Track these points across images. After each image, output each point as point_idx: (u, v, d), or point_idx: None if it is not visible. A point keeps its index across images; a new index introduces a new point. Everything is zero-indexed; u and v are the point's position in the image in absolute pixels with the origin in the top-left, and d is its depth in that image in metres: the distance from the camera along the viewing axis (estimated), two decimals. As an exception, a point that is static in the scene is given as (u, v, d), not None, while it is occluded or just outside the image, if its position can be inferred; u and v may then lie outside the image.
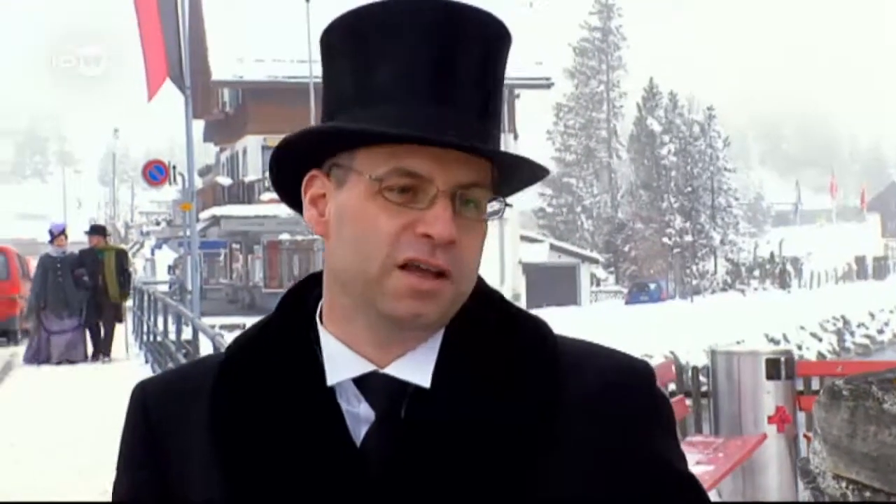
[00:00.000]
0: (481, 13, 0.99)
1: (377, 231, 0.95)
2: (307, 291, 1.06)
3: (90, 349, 14.60)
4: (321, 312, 1.03)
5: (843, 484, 2.35)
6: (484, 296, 1.04)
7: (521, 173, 1.03)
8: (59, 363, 14.03)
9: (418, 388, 0.98)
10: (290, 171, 1.04)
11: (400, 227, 0.95)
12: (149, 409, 1.06)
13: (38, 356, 14.26)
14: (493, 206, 1.01)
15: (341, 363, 0.99)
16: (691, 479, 1.03)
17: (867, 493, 2.27)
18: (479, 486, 0.96)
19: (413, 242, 0.95)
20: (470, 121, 0.97)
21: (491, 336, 1.01)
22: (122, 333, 15.73)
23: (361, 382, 0.99)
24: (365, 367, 0.99)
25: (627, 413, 1.00)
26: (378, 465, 0.96)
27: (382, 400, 0.98)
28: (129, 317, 16.44)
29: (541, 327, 1.04)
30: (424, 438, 0.97)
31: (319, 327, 1.02)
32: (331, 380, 0.99)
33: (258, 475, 0.98)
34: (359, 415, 0.98)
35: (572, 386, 1.00)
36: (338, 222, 0.99)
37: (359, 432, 0.98)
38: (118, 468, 1.08)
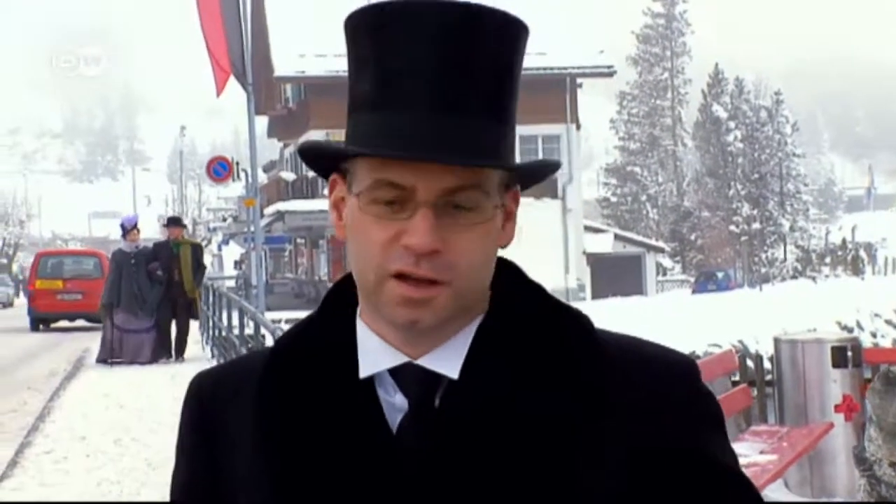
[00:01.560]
0: (491, 10, 0.98)
1: (369, 242, 0.98)
2: (349, 286, 1.08)
3: (163, 348, 14.00)
4: (360, 308, 1.06)
5: (901, 472, 2.28)
6: (522, 288, 1.05)
7: (528, 167, 1.03)
8: (132, 363, 13.57)
9: (451, 379, 1.00)
10: (323, 171, 1.07)
11: (387, 238, 0.97)
12: (203, 400, 1.11)
13: (110, 355, 13.69)
14: (507, 197, 1.02)
15: (376, 355, 1.02)
16: (739, 475, 1.02)
17: (926, 482, 2.19)
18: (509, 475, 0.96)
19: (400, 254, 0.97)
20: (469, 125, 0.97)
21: (526, 328, 1.02)
22: (195, 332, 15.31)
23: (397, 373, 1.02)
24: (398, 358, 1.01)
25: (670, 408, 1.00)
26: (411, 453, 0.99)
27: (416, 390, 1.01)
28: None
29: (580, 320, 1.04)
30: (454, 428, 0.99)
31: (358, 320, 1.05)
32: (364, 371, 1.02)
33: (299, 460, 1.01)
34: (394, 404, 1.01)
35: (612, 379, 1.00)
36: (347, 230, 1.03)
37: (395, 420, 1.01)
38: (177, 455, 1.13)
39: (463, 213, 0.98)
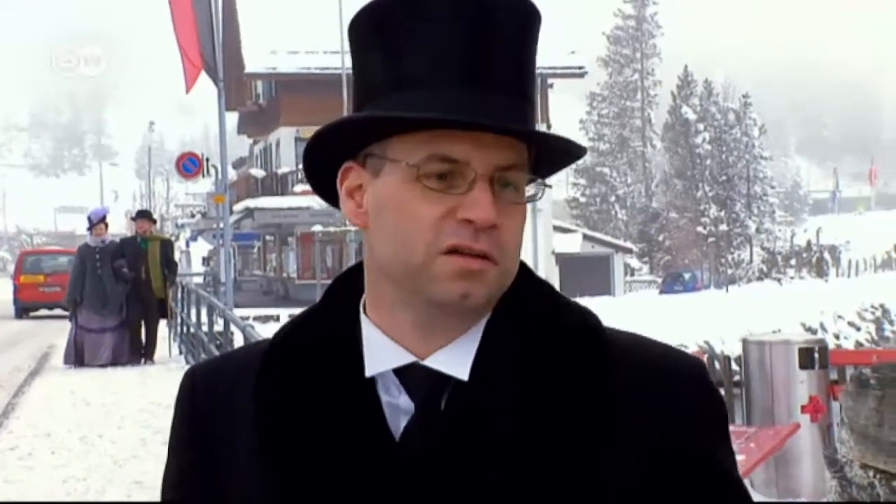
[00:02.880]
0: None
1: (418, 219, 0.95)
2: (352, 282, 1.05)
3: (134, 351, 13.20)
4: (364, 303, 1.03)
5: (871, 473, 2.31)
6: (529, 285, 1.03)
7: (558, 153, 1.01)
8: (102, 365, 12.71)
9: (458, 381, 0.97)
10: (323, 163, 1.03)
11: (440, 214, 0.94)
12: (197, 394, 1.07)
13: (74, 358, 12.97)
14: (530, 188, 1.00)
15: (381, 354, 0.99)
16: (739, 483, 1.01)
17: (895, 483, 2.23)
18: (519, 480, 0.94)
19: (455, 229, 0.94)
20: (504, 102, 0.96)
21: (534, 327, 1.00)
22: (166, 333, 14.37)
23: (402, 373, 0.99)
24: (405, 358, 0.98)
25: (680, 409, 0.98)
26: (417, 457, 0.96)
27: (422, 392, 0.98)
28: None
29: (588, 318, 1.02)
30: (463, 431, 0.96)
31: (362, 318, 1.02)
32: (369, 370, 0.99)
33: (298, 464, 0.98)
34: (398, 406, 0.98)
35: (622, 380, 0.98)
36: (377, 212, 0.98)
37: (398, 424, 0.97)
38: (169, 452, 1.09)
39: (509, 191, 0.96)
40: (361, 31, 1.00)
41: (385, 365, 0.98)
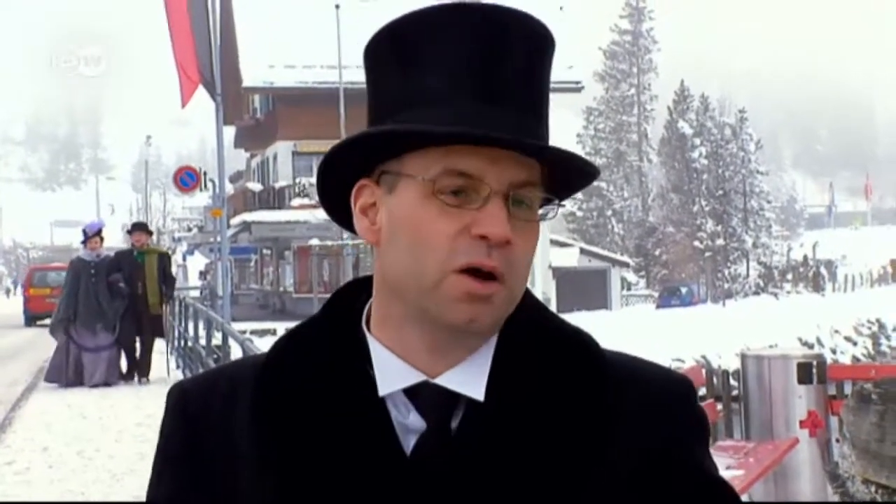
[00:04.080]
0: (526, 15, 0.98)
1: (433, 235, 0.94)
2: (353, 296, 1.04)
3: (129, 370, 12.66)
4: (367, 319, 1.02)
5: (872, 488, 2.32)
6: (532, 306, 1.03)
7: (573, 173, 1.01)
8: (93, 386, 12.11)
9: (470, 400, 0.96)
10: (336, 182, 1.02)
11: (456, 230, 0.93)
12: (188, 409, 1.05)
13: (65, 376, 12.29)
14: (545, 207, 1.00)
15: (392, 373, 0.98)
16: (729, 487, 1.03)
17: (896, 498, 2.24)
18: (530, 501, 0.95)
19: (469, 246, 0.93)
20: (519, 119, 0.96)
21: (541, 348, 1.00)
22: (162, 350, 13.69)
23: (411, 392, 0.98)
24: (416, 377, 0.97)
25: (671, 427, 1.00)
26: (429, 477, 0.94)
27: (433, 411, 0.97)
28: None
29: (587, 340, 1.03)
30: (476, 452, 0.95)
31: (367, 334, 1.01)
32: (382, 390, 0.97)
33: (306, 483, 0.97)
34: (408, 425, 0.97)
35: (619, 402, 0.99)
36: (390, 229, 0.97)
37: (408, 443, 0.96)
38: (155, 467, 1.06)
39: (522, 209, 0.95)
40: (378, 51, 1.00)
41: (397, 384, 0.97)
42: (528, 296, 1.03)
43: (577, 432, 0.97)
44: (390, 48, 0.99)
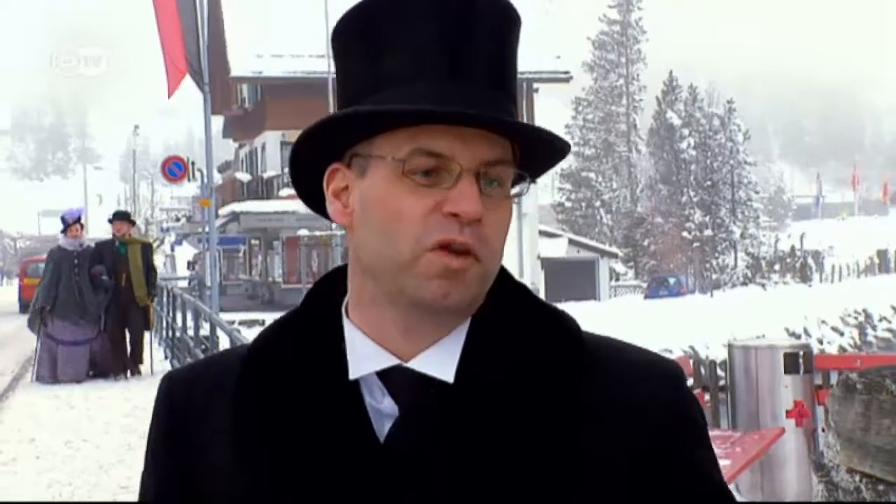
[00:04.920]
0: None
1: (404, 214, 0.94)
2: (333, 285, 1.05)
3: (119, 365, 11.98)
4: (346, 306, 1.02)
5: (857, 478, 2.33)
6: (509, 288, 1.02)
7: (543, 150, 1.00)
8: (77, 381, 11.49)
9: (442, 383, 0.96)
10: (308, 167, 1.02)
11: (427, 208, 0.94)
12: (175, 400, 1.06)
13: (44, 371, 11.75)
14: (516, 186, 0.99)
15: (365, 357, 0.98)
16: (720, 484, 1.01)
17: (881, 487, 2.25)
18: (502, 483, 0.94)
19: (442, 223, 0.93)
20: (487, 95, 0.96)
21: (516, 330, 0.99)
22: (149, 345, 13.01)
23: (386, 376, 0.98)
24: (389, 360, 0.97)
25: (656, 413, 0.98)
26: (402, 460, 0.95)
27: (406, 394, 0.97)
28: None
29: (566, 321, 1.02)
30: (448, 434, 0.95)
31: (345, 320, 1.01)
32: (353, 373, 0.98)
33: (281, 469, 0.97)
34: (382, 409, 0.97)
35: (598, 383, 0.98)
36: (363, 211, 0.97)
37: (383, 427, 0.97)
38: (146, 459, 1.08)
39: (494, 187, 0.95)
40: (344, 36, 1.01)
41: (369, 368, 0.97)
42: (508, 279, 1.03)
43: (549, 415, 0.96)
44: (357, 31, 0.99)
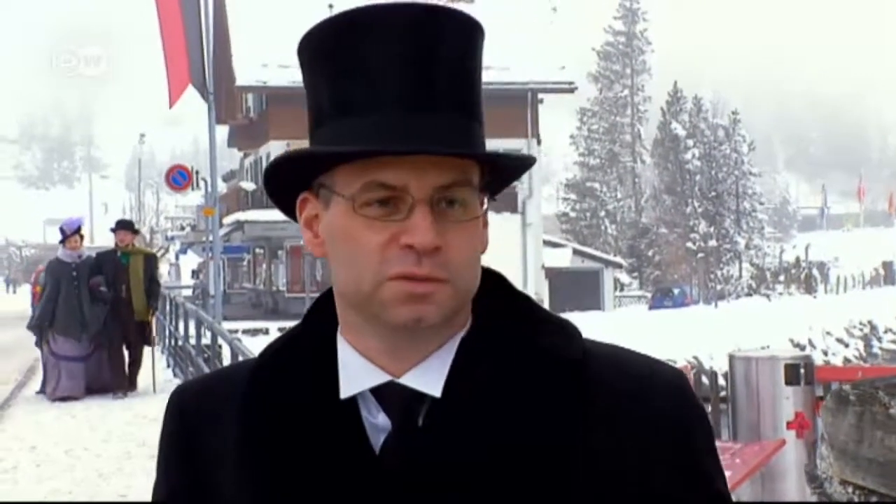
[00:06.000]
0: (447, 10, 0.97)
1: (363, 248, 0.95)
2: (332, 301, 1.05)
3: (118, 381, 11.33)
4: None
5: (850, 489, 2.32)
6: (507, 299, 1.03)
7: (507, 166, 1.01)
8: (74, 398, 11.03)
9: (434, 398, 0.98)
10: (284, 193, 1.04)
11: (383, 241, 0.94)
12: (185, 415, 1.08)
13: (53, 390, 11.25)
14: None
15: (357, 374, 0.99)
16: (724, 495, 1.01)
17: (873, 499, 2.24)
18: (494, 494, 0.94)
19: (399, 255, 0.94)
20: (443, 122, 0.96)
21: (510, 341, 1.00)
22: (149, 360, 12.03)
23: (379, 392, 0.99)
24: (380, 377, 0.99)
25: (660, 422, 0.98)
26: (395, 475, 0.96)
27: (398, 410, 0.98)
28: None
29: (567, 330, 1.02)
30: (439, 448, 0.96)
31: (339, 339, 1.02)
32: (345, 391, 0.99)
33: (281, 482, 0.99)
34: (377, 424, 0.99)
35: (600, 393, 0.98)
36: (330, 243, 0.99)
37: (378, 441, 0.98)
38: (157, 471, 1.10)
39: (455, 209, 0.96)
40: (307, 55, 1.01)
41: (361, 385, 0.99)
42: (508, 290, 1.03)
43: (542, 426, 0.96)
44: (317, 53, 0.99)
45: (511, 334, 1.00)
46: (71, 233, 11.32)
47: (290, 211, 1.06)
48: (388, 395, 0.98)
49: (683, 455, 0.98)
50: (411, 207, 0.94)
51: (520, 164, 1.01)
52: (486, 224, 1.01)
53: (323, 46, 0.99)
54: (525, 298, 1.04)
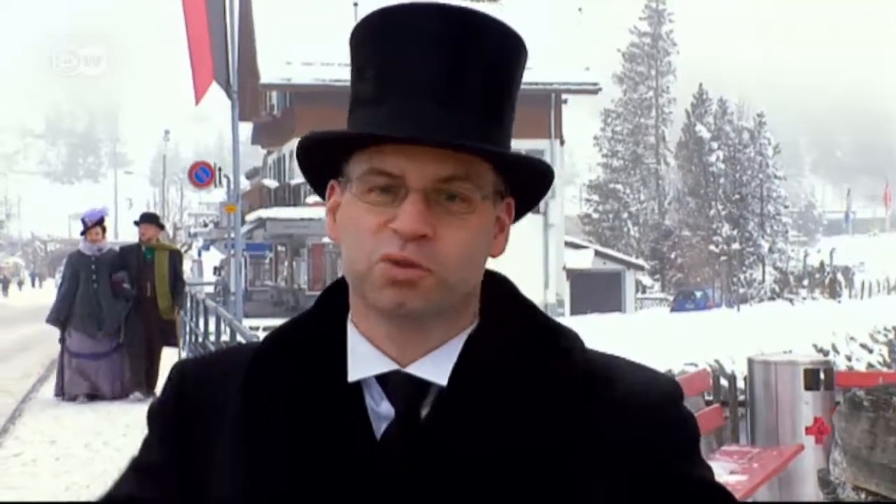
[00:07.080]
0: (485, 17, 1.00)
1: (360, 231, 0.99)
2: (343, 290, 1.08)
3: (138, 381, 10.73)
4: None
5: (863, 495, 2.30)
6: (513, 303, 1.06)
7: (524, 171, 1.03)
8: (90, 398, 10.53)
9: (440, 388, 1.00)
10: (319, 175, 1.09)
11: (378, 224, 0.98)
12: (185, 390, 1.10)
13: (62, 389, 10.77)
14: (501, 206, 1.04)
15: (364, 360, 1.02)
16: (715, 486, 1.03)
17: (886, 506, 2.23)
18: (491, 483, 0.96)
19: (387, 239, 0.98)
20: (457, 119, 0.98)
21: (516, 340, 1.02)
22: (170, 360, 11.34)
23: (385, 380, 1.01)
24: (387, 365, 1.01)
25: (652, 432, 1.00)
26: (395, 462, 0.98)
27: (401, 398, 1.00)
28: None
29: (568, 338, 1.05)
30: (440, 437, 0.98)
31: (349, 325, 1.05)
32: (352, 376, 1.02)
33: (280, 463, 1.01)
34: (380, 412, 1.01)
35: (596, 399, 1.00)
36: (341, 227, 1.04)
37: (380, 428, 1.00)
38: (145, 439, 1.11)
39: (455, 203, 0.99)
40: (351, 44, 1.06)
41: (367, 371, 1.02)
42: (514, 295, 1.06)
43: (541, 423, 0.98)
44: (354, 44, 1.05)
45: (517, 334, 1.03)
46: (92, 224, 10.74)
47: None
48: (393, 383, 1.01)
49: (675, 461, 1.01)
50: (404, 195, 0.98)
51: (534, 168, 1.03)
52: (503, 229, 1.04)
53: (356, 40, 1.05)
54: (530, 304, 1.07)
